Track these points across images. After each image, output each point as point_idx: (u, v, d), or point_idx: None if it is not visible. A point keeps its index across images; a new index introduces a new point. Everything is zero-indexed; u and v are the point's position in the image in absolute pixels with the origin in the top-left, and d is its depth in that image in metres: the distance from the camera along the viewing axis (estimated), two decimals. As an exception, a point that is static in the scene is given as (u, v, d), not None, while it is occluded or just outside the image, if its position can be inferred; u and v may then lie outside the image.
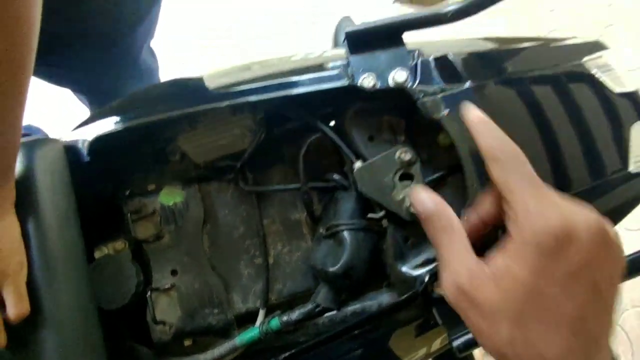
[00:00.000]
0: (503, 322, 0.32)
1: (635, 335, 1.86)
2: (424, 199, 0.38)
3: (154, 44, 1.11)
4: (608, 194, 0.60)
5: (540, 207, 0.32)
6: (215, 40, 1.77)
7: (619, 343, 1.82)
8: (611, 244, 0.33)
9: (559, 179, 0.55)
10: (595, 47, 0.61)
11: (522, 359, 0.31)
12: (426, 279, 0.47)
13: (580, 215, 0.32)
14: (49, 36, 0.68)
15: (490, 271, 0.33)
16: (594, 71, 0.58)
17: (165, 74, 1.23)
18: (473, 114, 0.40)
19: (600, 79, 0.58)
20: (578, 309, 0.31)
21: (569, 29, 2.07)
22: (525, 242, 0.32)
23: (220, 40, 1.77)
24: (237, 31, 1.79)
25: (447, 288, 0.35)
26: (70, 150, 0.53)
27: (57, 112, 1.56)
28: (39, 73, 0.88)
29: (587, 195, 0.57)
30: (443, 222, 0.37)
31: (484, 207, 0.40)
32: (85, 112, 1.22)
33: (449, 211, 0.38)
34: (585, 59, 0.58)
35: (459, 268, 0.34)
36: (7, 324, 0.40)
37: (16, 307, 0.40)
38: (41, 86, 0.94)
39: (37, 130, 1.39)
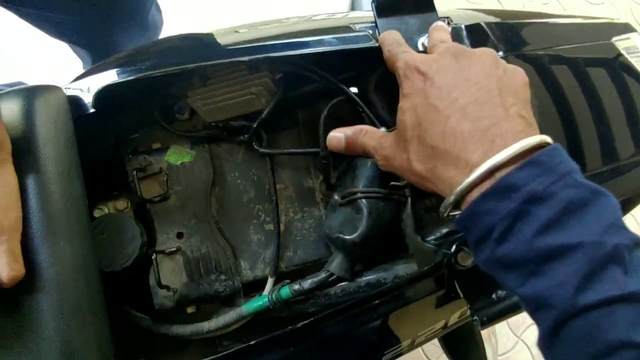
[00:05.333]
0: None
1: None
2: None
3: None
4: (619, 177, 0.59)
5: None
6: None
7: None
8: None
9: (573, 159, 0.54)
10: (624, 29, 0.60)
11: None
12: (452, 249, 0.45)
13: None
14: None
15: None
16: (622, 52, 0.57)
17: (169, 32, 1.17)
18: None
19: (629, 60, 0.57)
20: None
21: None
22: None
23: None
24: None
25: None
26: (73, 100, 0.48)
27: (51, 71, 1.46)
28: (41, 20, 0.82)
29: (598, 178, 0.57)
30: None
31: None
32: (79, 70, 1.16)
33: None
34: (614, 39, 0.57)
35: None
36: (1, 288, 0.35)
37: (10, 269, 0.35)
38: (37, 45, 0.87)
39: None
